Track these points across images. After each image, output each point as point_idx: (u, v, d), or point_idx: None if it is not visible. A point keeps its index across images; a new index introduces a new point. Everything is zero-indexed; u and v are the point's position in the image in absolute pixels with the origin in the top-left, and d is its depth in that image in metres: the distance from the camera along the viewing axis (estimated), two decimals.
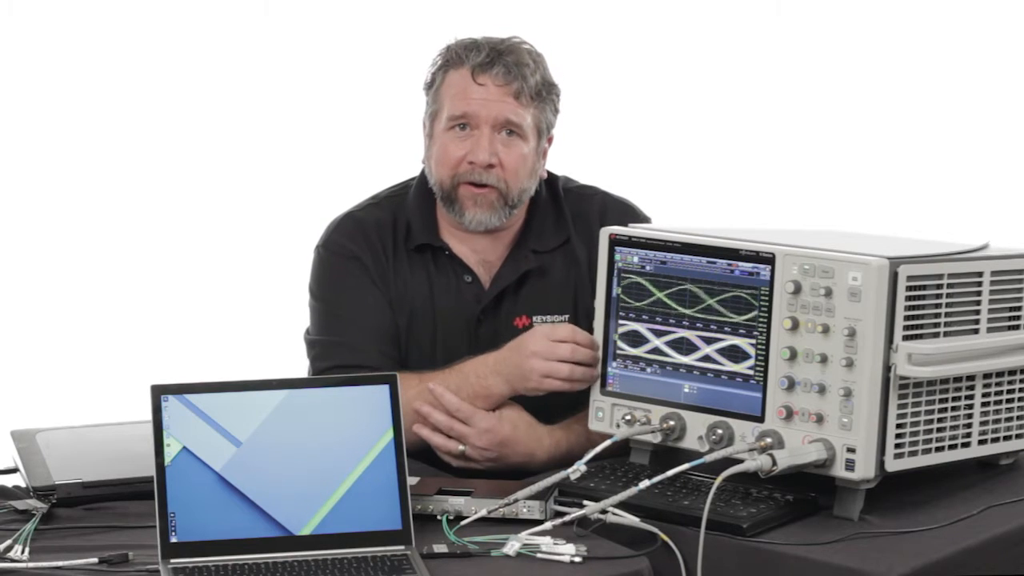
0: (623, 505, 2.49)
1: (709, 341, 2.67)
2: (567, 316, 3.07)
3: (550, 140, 3.10)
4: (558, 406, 2.95)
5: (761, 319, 2.60)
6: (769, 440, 2.57)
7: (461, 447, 2.89)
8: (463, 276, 3.08)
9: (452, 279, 3.07)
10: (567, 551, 2.40)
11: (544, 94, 3.04)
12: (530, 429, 2.91)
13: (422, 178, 3.12)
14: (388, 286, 3.06)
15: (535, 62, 3.03)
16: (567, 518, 2.49)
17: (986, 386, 2.67)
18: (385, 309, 3.04)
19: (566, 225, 3.12)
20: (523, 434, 2.90)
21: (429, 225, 3.09)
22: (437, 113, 3.04)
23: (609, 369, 2.78)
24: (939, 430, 2.61)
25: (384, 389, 2.50)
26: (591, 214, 3.12)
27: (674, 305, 2.70)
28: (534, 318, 3.05)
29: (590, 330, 2.82)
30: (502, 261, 3.09)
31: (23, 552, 2.41)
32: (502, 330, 3.04)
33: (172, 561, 2.38)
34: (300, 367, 3.12)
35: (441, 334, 3.05)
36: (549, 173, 3.16)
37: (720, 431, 2.63)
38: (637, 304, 2.75)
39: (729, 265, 2.64)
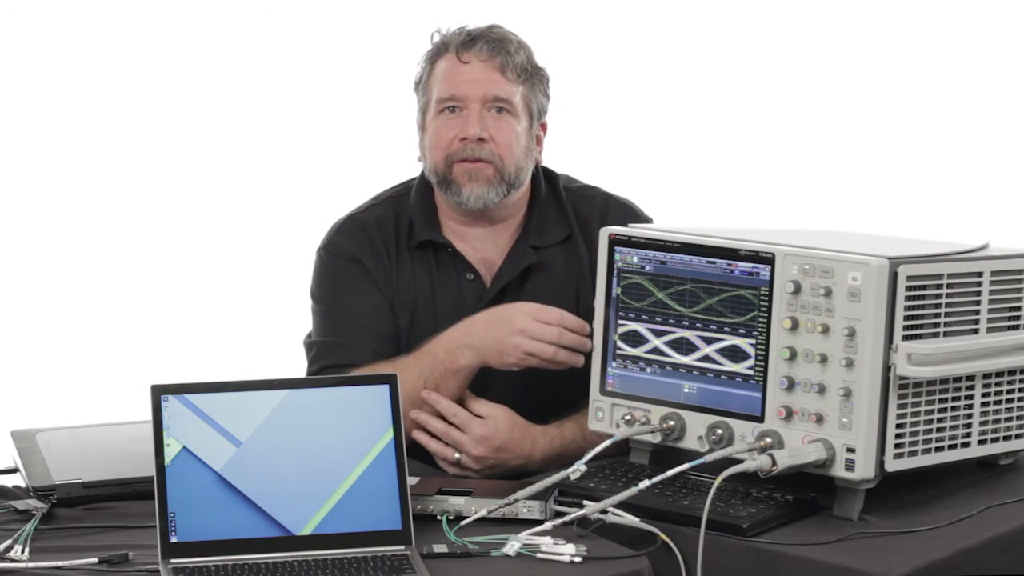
0: (623, 505, 2.49)
1: (709, 341, 2.67)
2: None
3: (544, 127, 3.11)
4: (556, 401, 2.95)
5: (761, 319, 2.60)
6: (769, 440, 2.57)
7: (457, 455, 2.88)
8: (465, 274, 3.08)
9: (454, 277, 3.07)
10: (567, 551, 2.40)
11: (531, 73, 3.06)
12: (524, 431, 2.90)
13: (422, 177, 3.12)
14: (390, 286, 3.06)
15: (519, 43, 3.07)
16: (567, 518, 2.49)
17: (986, 386, 2.67)
18: (384, 311, 3.03)
19: (567, 222, 3.12)
20: (518, 437, 2.89)
21: (431, 222, 3.09)
22: (427, 103, 3.06)
23: (609, 369, 2.78)
24: (939, 430, 2.61)
25: (384, 389, 2.51)
26: (592, 214, 3.12)
27: (674, 305, 2.70)
28: None
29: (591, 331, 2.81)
30: (503, 259, 3.09)
31: (23, 552, 2.41)
32: None
33: (172, 561, 2.38)
34: (300, 368, 3.12)
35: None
36: (549, 170, 3.16)
37: (720, 431, 2.63)
38: (637, 304, 2.75)
39: (729, 265, 2.64)
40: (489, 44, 3.03)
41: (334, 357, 2.99)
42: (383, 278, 3.06)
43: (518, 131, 3.03)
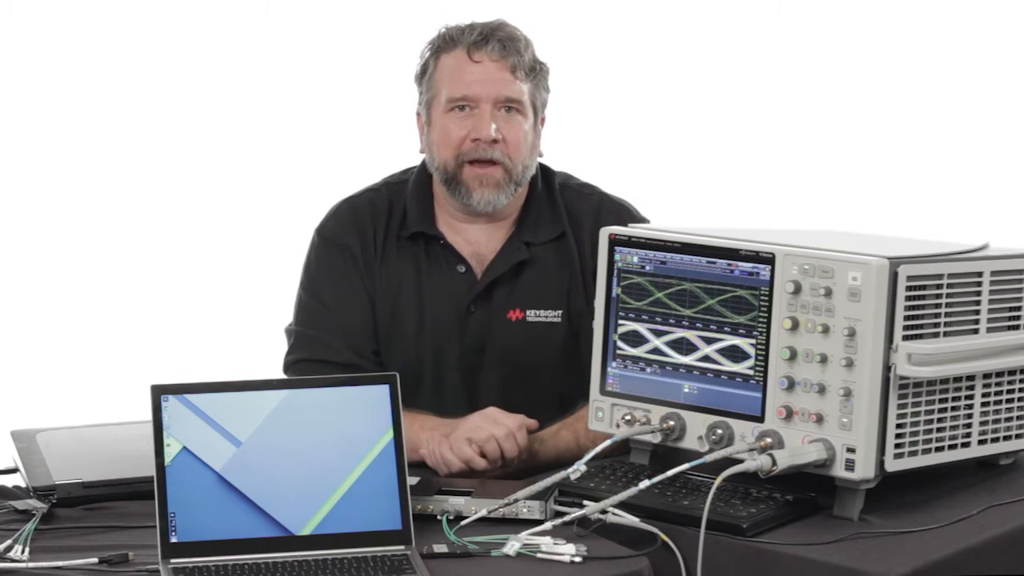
0: (623, 505, 2.49)
1: (709, 341, 2.67)
2: (560, 312, 3.07)
3: (543, 121, 3.11)
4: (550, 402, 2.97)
5: (761, 319, 2.60)
6: (769, 440, 2.56)
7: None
8: (456, 266, 3.07)
9: (444, 268, 3.07)
10: (567, 551, 2.40)
11: (537, 70, 3.06)
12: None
13: (422, 167, 3.12)
14: (375, 274, 3.06)
15: (525, 40, 3.07)
16: (567, 518, 2.49)
17: (986, 386, 2.67)
18: (364, 305, 3.03)
19: (561, 220, 3.12)
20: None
21: (426, 214, 3.09)
22: (434, 98, 3.05)
23: (609, 369, 2.78)
24: (939, 430, 2.61)
25: (384, 389, 2.50)
26: (587, 213, 3.12)
27: (674, 305, 2.70)
28: (527, 312, 3.06)
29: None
30: (495, 253, 3.09)
31: (23, 552, 2.41)
32: (494, 322, 3.05)
33: (172, 561, 2.38)
34: None
35: (429, 323, 3.05)
36: (546, 167, 3.16)
37: (720, 431, 2.63)
38: (637, 304, 2.75)
39: (729, 265, 2.64)
40: (501, 43, 3.02)
41: (309, 351, 3.02)
42: (368, 266, 3.06)
43: (526, 129, 3.03)
